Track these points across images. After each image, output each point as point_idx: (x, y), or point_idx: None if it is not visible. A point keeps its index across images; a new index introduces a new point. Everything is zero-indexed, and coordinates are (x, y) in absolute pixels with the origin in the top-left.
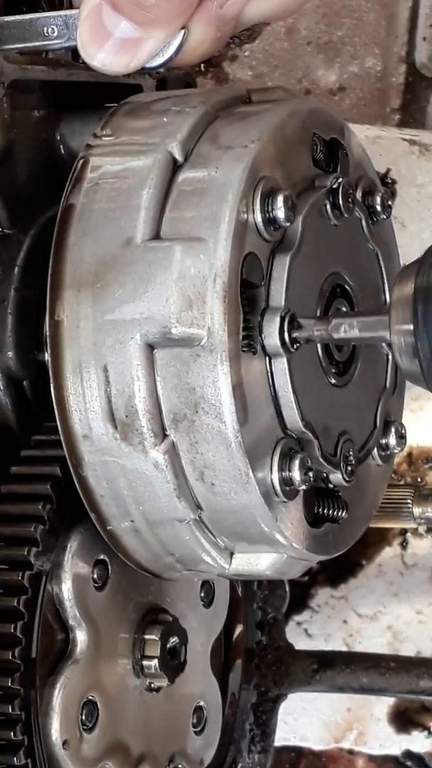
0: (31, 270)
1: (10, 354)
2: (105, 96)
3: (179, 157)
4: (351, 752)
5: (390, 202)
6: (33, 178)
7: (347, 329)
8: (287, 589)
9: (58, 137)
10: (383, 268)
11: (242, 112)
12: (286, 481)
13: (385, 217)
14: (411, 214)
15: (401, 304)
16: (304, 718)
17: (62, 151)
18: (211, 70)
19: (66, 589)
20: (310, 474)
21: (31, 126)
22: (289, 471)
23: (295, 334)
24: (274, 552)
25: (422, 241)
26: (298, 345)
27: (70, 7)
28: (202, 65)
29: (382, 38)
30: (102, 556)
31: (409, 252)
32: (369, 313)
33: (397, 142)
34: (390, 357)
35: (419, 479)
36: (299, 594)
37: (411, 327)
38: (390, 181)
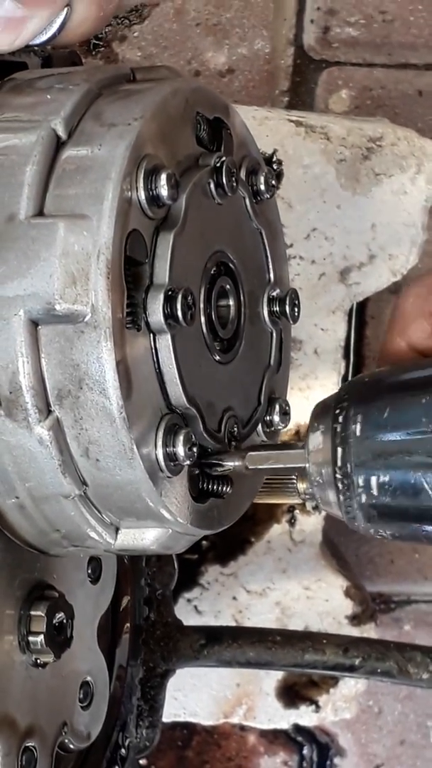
0: None
1: None
2: None
3: (63, 135)
4: (243, 728)
5: (273, 182)
6: None
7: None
8: (176, 565)
9: None
10: (267, 247)
11: (126, 90)
12: (170, 457)
13: (268, 196)
14: (298, 194)
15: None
16: (193, 693)
17: None
18: (100, 51)
19: None
20: (194, 449)
21: None
22: (174, 446)
23: (213, 461)
24: (159, 527)
25: (309, 221)
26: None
27: None
28: (92, 45)
29: (270, 20)
30: None
31: (296, 232)
32: (285, 446)
33: (284, 123)
34: (274, 335)
35: None
36: (189, 571)
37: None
38: (276, 162)
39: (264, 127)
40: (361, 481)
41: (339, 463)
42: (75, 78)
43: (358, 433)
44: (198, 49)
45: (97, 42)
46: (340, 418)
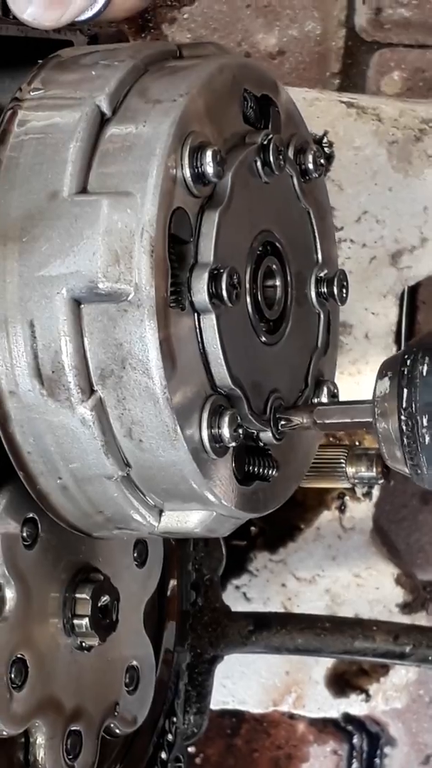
0: None
1: None
2: (35, 52)
3: (107, 111)
4: (292, 716)
5: (322, 161)
6: None
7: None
8: (224, 551)
9: None
10: (315, 227)
11: (172, 66)
12: (215, 438)
13: (317, 175)
14: (348, 176)
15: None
16: (242, 681)
17: None
18: (150, 33)
19: None
20: (240, 431)
21: None
22: (219, 428)
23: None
24: (203, 510)
25: (360, 203)
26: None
27: None
28: (141, 27)
29: (321, 2)
30: (31, 515)
31: (346, 215)
32: (353, 402)
33: (335, 104)
34: (322, 316)
35: (357, 442)
36: (238, 558)
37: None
38: (327, 144)
39: (315, 108)
40: (425, 421)
41: (404, 404)
42: (120, 54)
43: (424, 374)
44: (248, 31)
45: (146, 24)
46: (408, 362)
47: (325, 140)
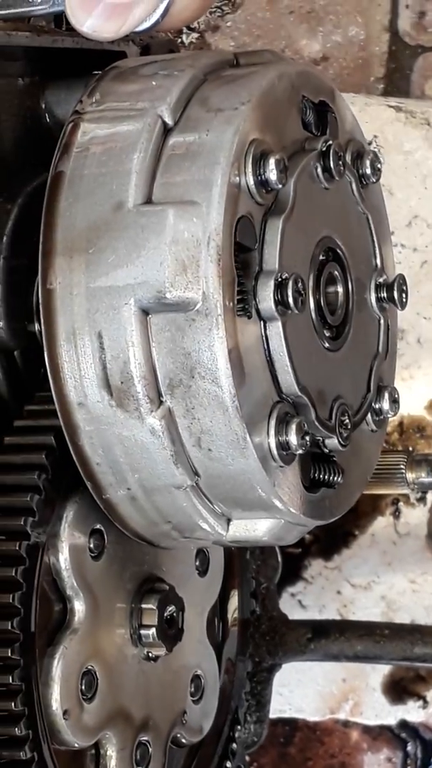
0: (20, 240)
1: (1, 324)
2: (89, 64)
3: (169, 121)
4: (346, 725)
5: (379, 165)
6: (18, 147)
7: None
8: (279, 559)
9: (43, 105)
10: (374, 233)
11: (231, 74)
12: (282, 446)
13: (374, 180)
14: (398, 181)
15: None
16: (299, 689)
17: (47, 120)
18: (193, 42)
19: (63, 559)
20: (307, 438)
21: (16, 94)
22: (286, 435)
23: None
24: (271, 518)
25: (410, 208)
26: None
27: None
28: (184, 35)
29: (364, 6)
30: (98, 526)
31: (396, 219)
32: None
33: (384, 109)
34: (382, 322)
35: (411, 448)
36: (292, 565)
37: None
38: (377, 149)
39: (363, 113)
40: None
41: None
42: (179, 64)
43: None
44: (291, 37)
45: (189, 32)
46: None
47: (374, 145)
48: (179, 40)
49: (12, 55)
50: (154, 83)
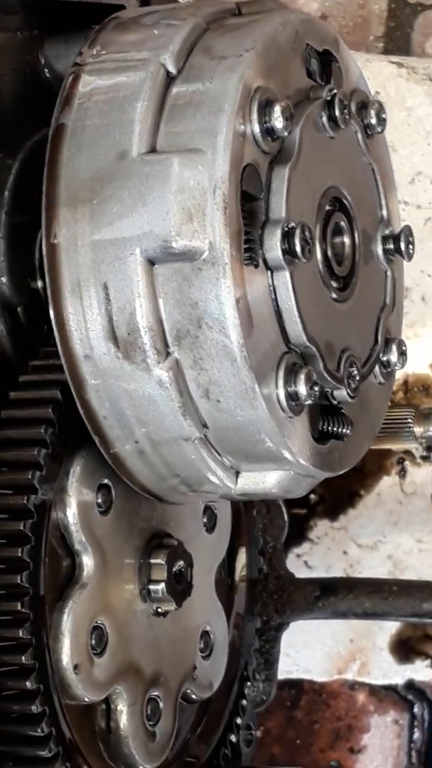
0: (22, 195)
1: (4, 280)
2: (88, 17)
3: (172, 70)
4: (352, 687)
5: (384, 116)
6: (18, 101)
7: None
8: (286, 518)
9: (43, 60)
10: (380, 183)
11: (234, 23)
12: (291, 396)
13: (380, 130)
14: (401, 137)
15: None
16: (306, 650)
17: (47, 75)
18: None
19: (71, 514)
20: (316, 388)
21: (14, 48)
22: (295, 386)
23: None
24: (280, 469)
25: (413, 164)
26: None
27: None
28: None
29: None
30: (105, 481)
31: (399, 176)
32: None
33: (385, 65)
34: (388, 273)
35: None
36: (298, 526)
37: None
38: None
39: (365, 70)
40: None
41: None
42: (181, 13)
43: None
44: None
45: None
46: None
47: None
48: None
49: (10, 8)
50: (156, 32)
